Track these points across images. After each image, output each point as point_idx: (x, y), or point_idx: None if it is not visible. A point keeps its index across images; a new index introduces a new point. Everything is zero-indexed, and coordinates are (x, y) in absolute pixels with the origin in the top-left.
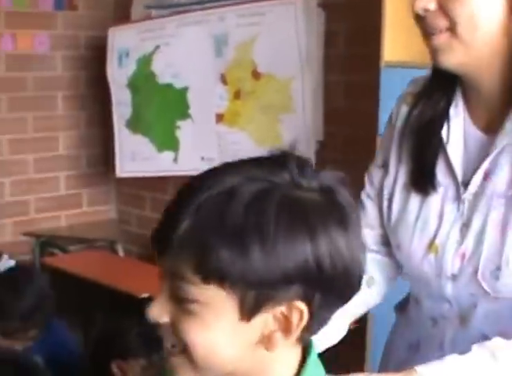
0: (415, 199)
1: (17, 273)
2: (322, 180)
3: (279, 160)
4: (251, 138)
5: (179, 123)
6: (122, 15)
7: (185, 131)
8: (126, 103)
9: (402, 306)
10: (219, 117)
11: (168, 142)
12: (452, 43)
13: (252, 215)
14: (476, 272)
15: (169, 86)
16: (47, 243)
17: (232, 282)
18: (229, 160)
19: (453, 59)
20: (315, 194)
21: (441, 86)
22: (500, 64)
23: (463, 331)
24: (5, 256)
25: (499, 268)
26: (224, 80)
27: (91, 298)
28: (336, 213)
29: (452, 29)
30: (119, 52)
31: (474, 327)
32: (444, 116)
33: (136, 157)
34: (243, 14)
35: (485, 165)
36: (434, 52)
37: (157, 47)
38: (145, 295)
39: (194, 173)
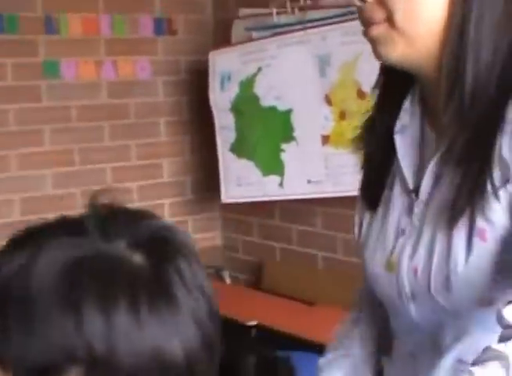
0: (379, 216)
1: None
2: (134, 239)
3: (76, 221)
4: (359, 159)
5: (284, 146)
6: (222, 38)
7: (289, 154)
8: (229, 127)
9: (387, 349)
10: (325, 139)
11: (273, 165)
12: (391, 34)
13: (16, 287)
14: (429, 286)
15: (272, 109)
16: None
17: (5, 364)
18: (337, 182)
19: (393, 51)
20: (120, 256)
21: (393, 87)
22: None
23: (439, 360)
24: None
25: (448, 277)
26: (328, 100)
27: None
28: (133, 284)
29: (389, 19)
30: (221, 76)
31: (449, 353)
32: (394, 121)
33: (241, 181)
34: (346, 32)
35: (431, 169)
36: (372, 44)
37: (259, 69)
38: (252, 323)
39: (301, 197)
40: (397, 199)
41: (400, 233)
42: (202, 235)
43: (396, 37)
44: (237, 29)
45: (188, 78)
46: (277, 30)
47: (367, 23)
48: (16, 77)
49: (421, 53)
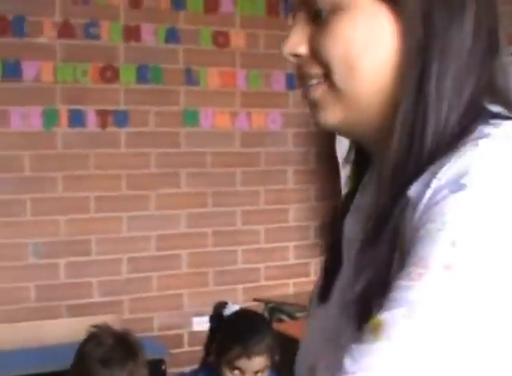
0: (322, 306)
1: (246, 314)
2: None
3: None
4: None
5: None
6: None
7: None
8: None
9: None
10: None
11: None
12: (329, 97)
13: None
14: None
15: None
16: (275, 309)
17: None
18: None
19: (332, 116)
20: None
21: (359, 159)
22: (387, 121)
23: None
24: (229, 303)
25: None
26: None
27: None
28: None
29: (327, 76)
30: None
31: None
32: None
33: None
34: None
35: (353, 260)
36: (310, 108)
37: None
38: None
39: None
40: (336, 292)
41: (327, 333)
42: None
43: (335, 101)
44: None
45: (316, 130)
46: None
47: (305, 82)
48: (158, 123)
49: (363, 118)
